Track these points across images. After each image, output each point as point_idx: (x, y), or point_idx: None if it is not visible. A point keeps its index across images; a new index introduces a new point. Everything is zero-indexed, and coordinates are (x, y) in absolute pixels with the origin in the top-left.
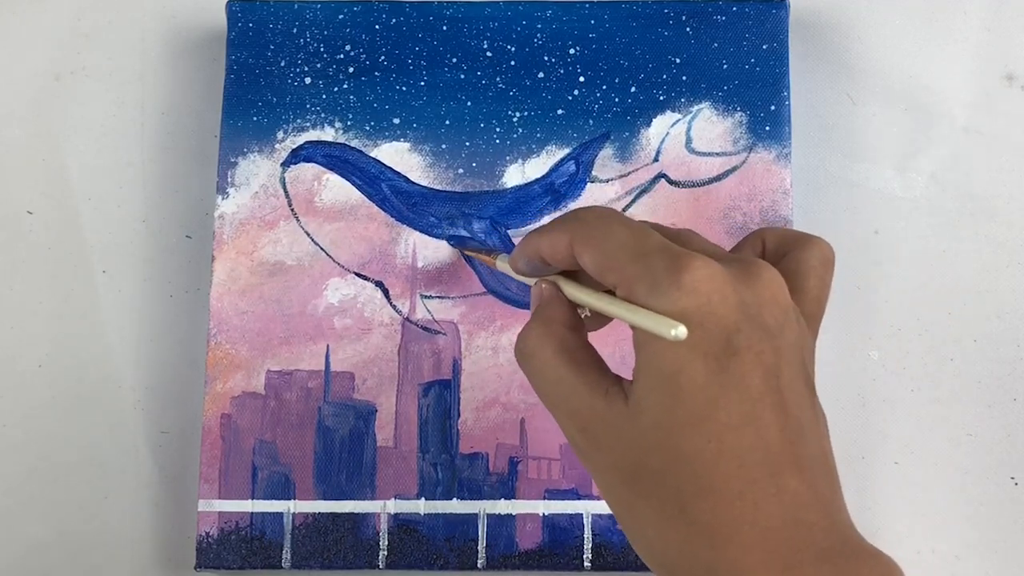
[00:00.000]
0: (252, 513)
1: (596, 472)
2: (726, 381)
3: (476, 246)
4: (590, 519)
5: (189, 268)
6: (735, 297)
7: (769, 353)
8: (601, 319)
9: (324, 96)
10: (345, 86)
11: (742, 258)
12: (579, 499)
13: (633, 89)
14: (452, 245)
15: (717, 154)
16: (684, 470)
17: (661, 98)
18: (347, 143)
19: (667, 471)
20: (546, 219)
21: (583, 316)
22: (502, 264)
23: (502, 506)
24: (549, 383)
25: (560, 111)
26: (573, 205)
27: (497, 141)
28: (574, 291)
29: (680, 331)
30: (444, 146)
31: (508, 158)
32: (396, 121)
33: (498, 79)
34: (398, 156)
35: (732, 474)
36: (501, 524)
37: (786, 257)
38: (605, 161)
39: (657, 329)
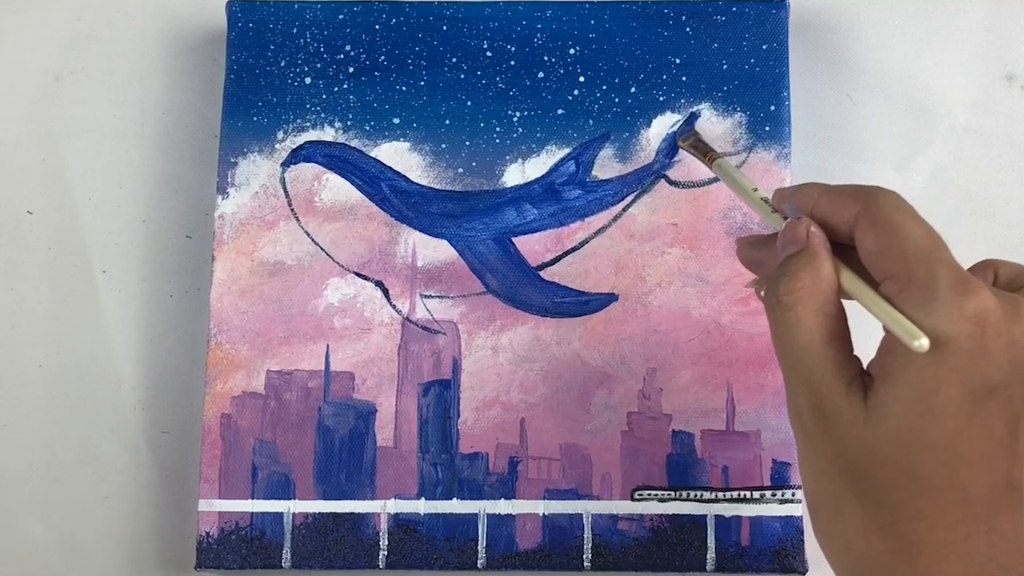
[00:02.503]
0: (252, 513)
1: (812, 454)
2: (975, 415)
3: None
4: (590, 519)
5: (189, 268)
6: (1007, 336)
7: (1019, 397)
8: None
9: (324, 96)
10: (345, 86)
11: (1012, 296)
12: (579, 499)
13: (633, 89)
14: (679, 136)
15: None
16: (910, 489)
17: (661, 98)
18: (347, 143)
19: (893, 485)
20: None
21: None
22: (720, 167)
23: (502, 506)
24: (797, 344)
25: (560, 111)
26: (574, 204)
27: (497, 141)
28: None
29: (923, 343)
30: (444, 146)
31: (508, 158)
32: (396, 121)
33: (498, 79)
34: (398, 156)
35: (953, 504)
36: (501, 524)
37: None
38: (605, 161)
39: (907, 336)
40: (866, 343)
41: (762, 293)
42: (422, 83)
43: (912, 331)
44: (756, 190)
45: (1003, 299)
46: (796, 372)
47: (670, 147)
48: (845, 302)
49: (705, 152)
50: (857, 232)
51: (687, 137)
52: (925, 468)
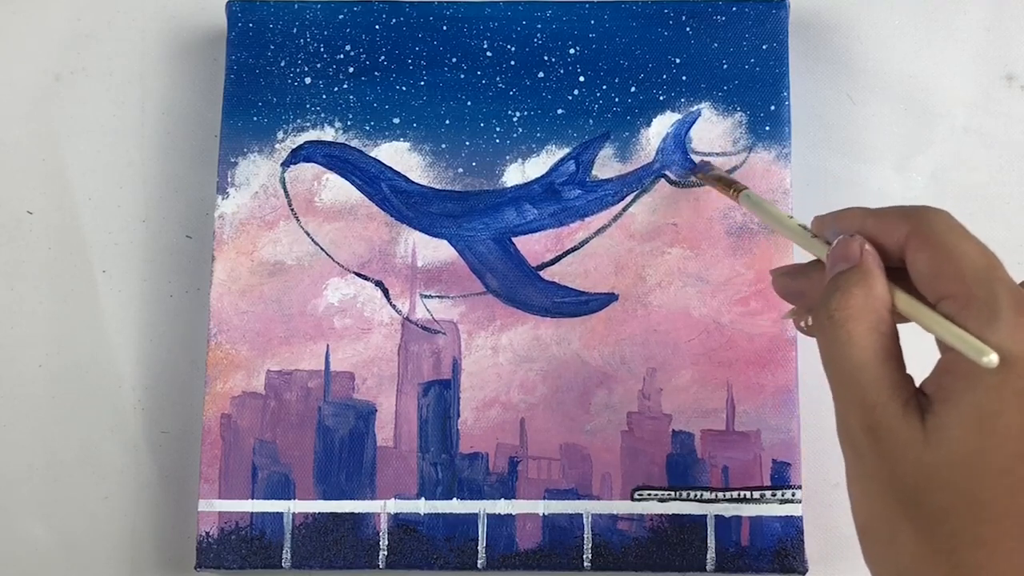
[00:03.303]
0: (252, 513)
1: (864, 476)
2: None
3: (715, 173)
4: (590, 519)
5: (189, 268)
6: None
7: None
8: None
9: (324, 96)
10: (345, 86)
11: None
12: (579, 499)
13: (633, 89)
14: (697, 172)
15: (717, 154)
16: (971, 514)
17: (661, 98)
18: (347, 143)
19: (953, 511)
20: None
21: None
22: (748, 199)
23: (502, 506)
24: (851, 363)
25: (560, 111)
26: (574, 204)
27: (497, 141)
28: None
29: (993, 359)
30: (444, 146)
31: (508, 158)
32: (396, 121)
33: (498, 79)
34: (398, 156)
35: (1012, 532)
36: (501, 524)
37: None
38: (605, 161)
39: (973, 353)
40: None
41: (803, 323)
42: (422, 83)
43: (979, 347)
44: (791, 217)
45: None
46: (849, 392)
47: (670, 147)
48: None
49: (729, 184)
50: (908, 253)
51: (708, 172)
52: (986, 493)
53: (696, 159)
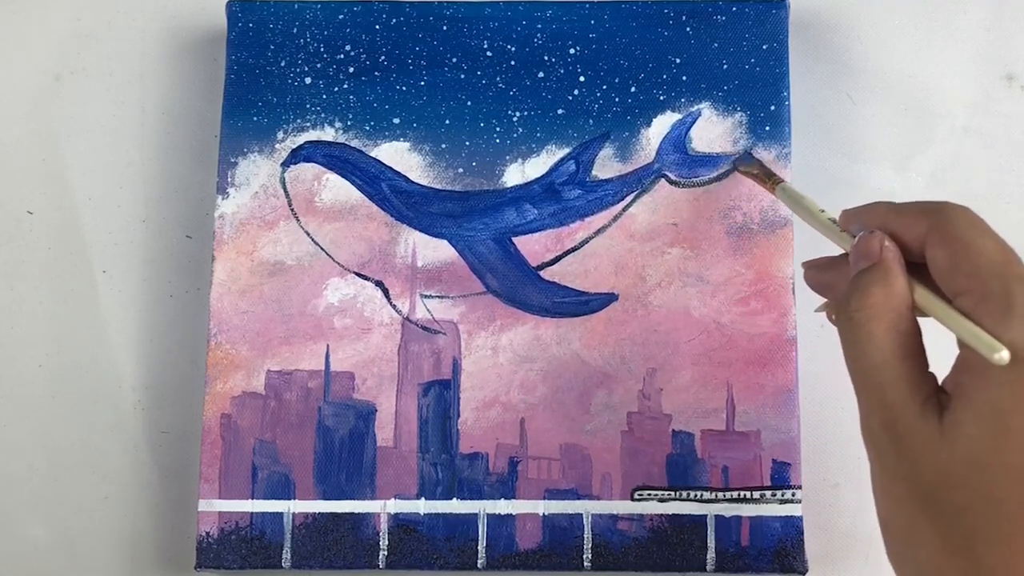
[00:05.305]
0: (252, 513)
1: (885, 475)
2: None
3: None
4: (590, 519)
5: (189, 268)
6: None
7: None
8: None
9: (324, 96)
10: (345, 86)
11: None
12: (579, 499)
13: (633, 89)
14: (738, 165)
15: (717, 154)
16: (987, 512)
17: (661, 98)
18: (347, 143)
19: (969, 508)
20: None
21: None
22: (784, 191)
23: (502, 506)
24: (870, 362)
25: (560, 111)
26: (574, 204)
27: (497, 141)
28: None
29: (1004, 356)
30: (444, 146)
31: (508, 158)
32: (396, 121)
33: (498, 79)
34: (398, 156)
35: None
36: (501, 524)
37: None
38: (605, 161)
39: (985, 349)
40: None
41: (833, 316)
42: (422, 83)
43: (991, 344)
44: (823, 212)
45: None
46: (869, 391)
47: (671, 147)
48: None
49: (769, 176)
50: (928, 249)
51: (750, 165)
52: (1002, 491)
53: (695, 155)
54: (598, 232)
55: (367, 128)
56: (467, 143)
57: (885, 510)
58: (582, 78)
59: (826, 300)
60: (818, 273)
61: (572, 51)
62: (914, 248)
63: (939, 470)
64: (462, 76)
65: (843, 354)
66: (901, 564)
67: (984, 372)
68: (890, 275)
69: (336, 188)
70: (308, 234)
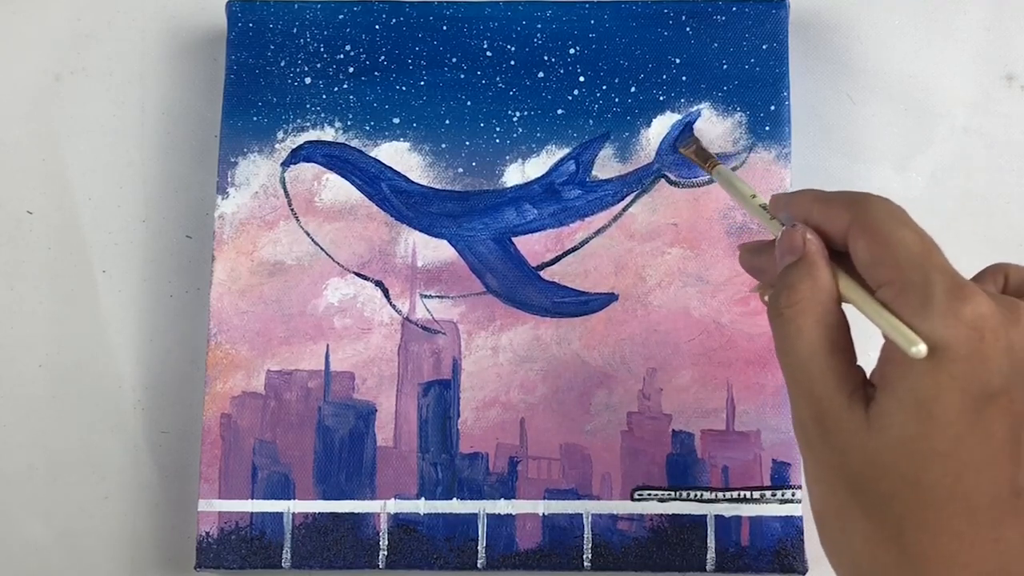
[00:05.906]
0: (252, 513)
1: (816, 465)
2: (976, 421)
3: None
4: (590, 519)
5: (189, 268)
6: (1005, 340)
7: (1020, 403)
8: None
9: (324, 96)
10: (345, 86)
11: (1010, 299)
12: (579, 499)
13: (633, 89)
14: (679, 144)
15: (717, 154)
16: (914, 499)
17: (661, 98)
18: (347, 143)
19: (896, 495)
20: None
21: None
22: (720, 173)
23: (502, 506)
24: (798, 357)
25: (560, 111)
26: (574, 204)
27: (497, 141)
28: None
29: (921, 349)
30: (444, 146)
31: (508, 158)
32: (396, 121)
33: (498, 79)
34: (398, 156)
35: (958, 513)
36: (501, 524)
37: None
38: (605, 161)
39: (903, 341)
40: (871, 352)
41: (766, 298)
42: (422, 83)
43: (909, 337)
44: (755, 196)
45: (1001, 303)
46: (798, 384)
47: (671, 147)
48: (848, 312)
49: (705, 159)
50: (850, 240)
51: (688, 144)
52: (928, 477)
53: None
54: (598, 232)
55: (367, 128)
56: (467, 143)
57: (818, 501)
58: (582, 78)
59: (759, 283)
60: (752, 257)
61: (572, 51)
62: (838, 239)
63: (867, 459)
64: (462, 76)
65: (775, 348)
66: (836, 554)
67: (906, 362)
68: (814, 268)
69: (336, 188)
70: (308, 234)
